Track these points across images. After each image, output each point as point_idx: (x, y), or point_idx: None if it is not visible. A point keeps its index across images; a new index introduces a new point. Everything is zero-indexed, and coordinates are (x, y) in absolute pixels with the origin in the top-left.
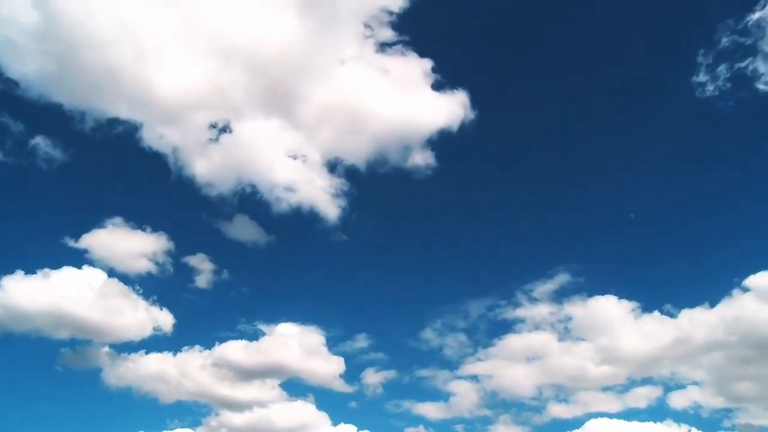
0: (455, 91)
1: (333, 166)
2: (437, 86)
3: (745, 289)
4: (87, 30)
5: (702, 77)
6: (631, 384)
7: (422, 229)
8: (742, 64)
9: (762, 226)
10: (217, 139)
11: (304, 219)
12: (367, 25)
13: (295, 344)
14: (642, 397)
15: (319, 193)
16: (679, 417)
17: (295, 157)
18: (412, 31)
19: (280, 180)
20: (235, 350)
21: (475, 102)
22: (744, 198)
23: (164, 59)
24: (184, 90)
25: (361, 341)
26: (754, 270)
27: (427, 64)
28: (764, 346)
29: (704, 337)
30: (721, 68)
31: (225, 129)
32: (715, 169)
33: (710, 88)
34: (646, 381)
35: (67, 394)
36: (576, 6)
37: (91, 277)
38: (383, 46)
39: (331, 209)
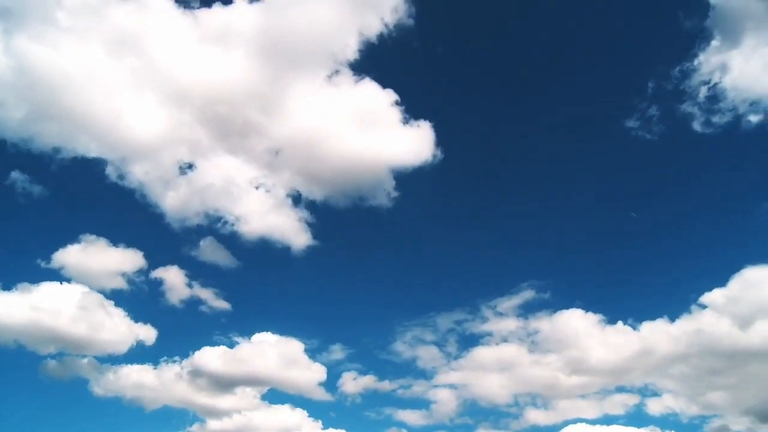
0: (417, 123)
1: (297, 198)
2: (399, 120)
3: (703, 306)
4: (57, 76)
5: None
6: (606, 392)
7: (387, 252)
8: (677, 107)
9: (713, 249)
10: (183, 174)
11: (270, 246)
12: (328, 61)
13: (275, 353)
14: (619, 404)
15: (284, 222)
16: (658, 423)
17: (258, 188)
18: (374, 66)
19: (246, 211)
20: (214, 360)
21: (438, 134)
22: (696, 223)
23: (130, 101)
24: (149, 129)
25: (338, 352)
26: (709, 288)
27: (390, 98)
28: (728, 358)
29: (670, 349)
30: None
31: (190, 166)
32: (665, 200)
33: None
34: (621, 389)
35: (52, 404)
36: (533, 52)
37: (70, 292)
38: (345, 81)
39: (297, 237)
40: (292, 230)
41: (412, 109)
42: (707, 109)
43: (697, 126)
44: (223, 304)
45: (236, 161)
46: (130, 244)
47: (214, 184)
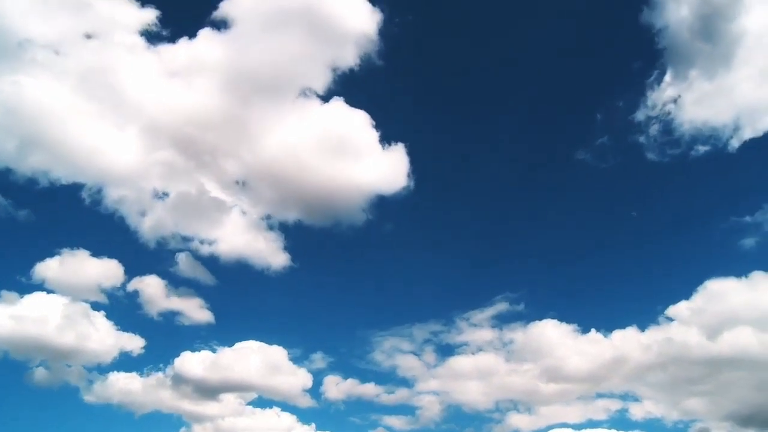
0: (391, 146)
1: (272, 221)
2: (373, 142)
3: (670, 318)
4: (37, 109)
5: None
6: (587, 398)
7: (363, 268)
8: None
9: (677, 264)
10: (158, 199)
11: (249, 266)
12: (297, 88)
13: (259, 360)
14: (601, 409)
15: (261, 244)
16: (641, 427)
17: (233, 211)
18: (345, 91)
19: (222, 234)
20: (198, 367)
21: (412, 155)
22: (659, 241)
23: (105, 132)
24: (124, 158)
25: (319, 361)
26: (674, 301)
27: (362, 121)
28: (702, 366)
29: (645, 358)
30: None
31: (164, 192)
32: (627, 221)
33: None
34: (601, 395)
35: (45, 411)
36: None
37: (54, 302)
38: (315, 106)
39: (274, 257)
40: (268, 251)
41: (385, 132)
42: (660, 141)
43: (651, 156)
44: (206, 314)
45: (210, 186)
46: (110, 255)
47: (189, 208)
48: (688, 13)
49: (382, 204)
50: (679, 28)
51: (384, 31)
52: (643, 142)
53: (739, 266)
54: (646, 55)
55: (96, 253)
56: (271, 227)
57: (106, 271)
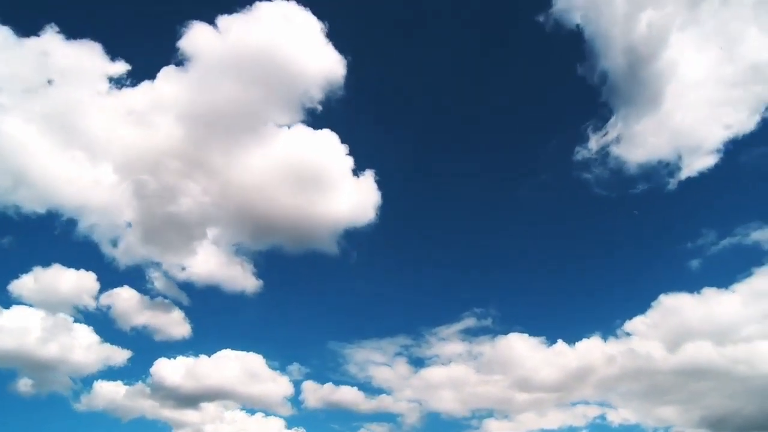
0: (360, 174)
1: (243, 248)
2: (343, 172)
3: (628, 333)
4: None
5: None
6: (562, 405)
7: (333, 287)
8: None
9: (634, 282)
10: (128, 228)
11: (221, 291)
12: (267, 121)
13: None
14: (579, 416)
15: (234, 271)
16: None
17: (204, 241)
18: (314, 123)
19: (194, 261)
20: (177, 376)
21: (381, 182)
22: (615, 263)
23: (76, 167)
24: (95, 192)
25: (296, 373)
26: (630, 316)
27: (334, 150)
28: (666, 376)
29: (609, 369)
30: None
31: (130, 224)
32: (583, 240)
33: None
34: (576, 403)
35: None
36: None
37: (33, 316)
38: (279, 137)
39: (246, 283)
40: (241, 277)
41: (355, 162)
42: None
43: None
44: (184, 327)
45: (180, 215)
46: (85, 268)
47: (160, 238)
48: (622, 61)
49: (353, 233)
50: (614, 75)
51: (348, 73)
52: (589, 178)
53: (690, 283)
54: (587, 100)
55: (69, 264)
56: (242, 255)
57: (83, 284)
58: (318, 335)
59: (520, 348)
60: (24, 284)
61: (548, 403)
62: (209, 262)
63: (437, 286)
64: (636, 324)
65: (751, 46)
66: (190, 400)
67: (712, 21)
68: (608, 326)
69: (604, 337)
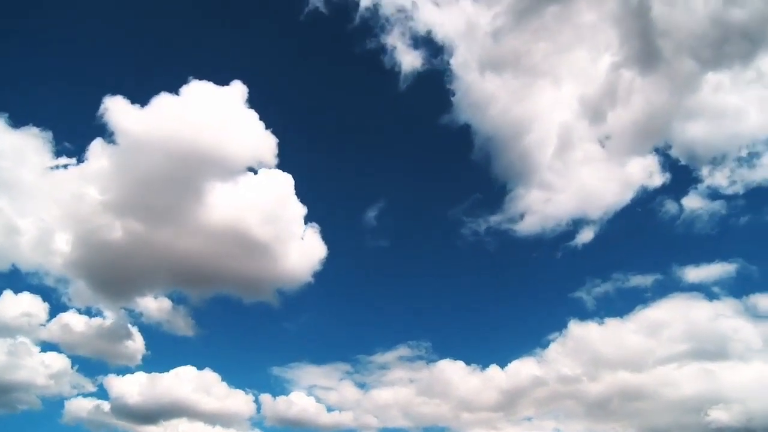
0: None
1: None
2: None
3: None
4: None
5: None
6: (511, 422)
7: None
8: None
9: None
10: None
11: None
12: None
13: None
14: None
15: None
16: None
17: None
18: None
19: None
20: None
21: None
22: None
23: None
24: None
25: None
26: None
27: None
28: (597, 397)
29: (543, 390)
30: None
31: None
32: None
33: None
34: (522, 420)
35: None
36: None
37: None
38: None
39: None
40: (182, 325)
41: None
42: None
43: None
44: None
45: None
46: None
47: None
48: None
49: (292, 286)
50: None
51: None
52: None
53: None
54: (485, 184)
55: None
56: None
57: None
58: (260, 362)
59: (457, 373)
60: None
61: (497, 420)
62: (151, 308)
63: (372, 319)
64: (556, 347)
65: None
66: (149, 416)
67: None
68: (531, 350)
69: (529, 359)
